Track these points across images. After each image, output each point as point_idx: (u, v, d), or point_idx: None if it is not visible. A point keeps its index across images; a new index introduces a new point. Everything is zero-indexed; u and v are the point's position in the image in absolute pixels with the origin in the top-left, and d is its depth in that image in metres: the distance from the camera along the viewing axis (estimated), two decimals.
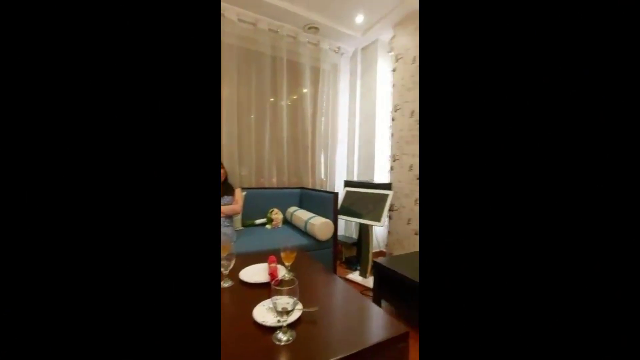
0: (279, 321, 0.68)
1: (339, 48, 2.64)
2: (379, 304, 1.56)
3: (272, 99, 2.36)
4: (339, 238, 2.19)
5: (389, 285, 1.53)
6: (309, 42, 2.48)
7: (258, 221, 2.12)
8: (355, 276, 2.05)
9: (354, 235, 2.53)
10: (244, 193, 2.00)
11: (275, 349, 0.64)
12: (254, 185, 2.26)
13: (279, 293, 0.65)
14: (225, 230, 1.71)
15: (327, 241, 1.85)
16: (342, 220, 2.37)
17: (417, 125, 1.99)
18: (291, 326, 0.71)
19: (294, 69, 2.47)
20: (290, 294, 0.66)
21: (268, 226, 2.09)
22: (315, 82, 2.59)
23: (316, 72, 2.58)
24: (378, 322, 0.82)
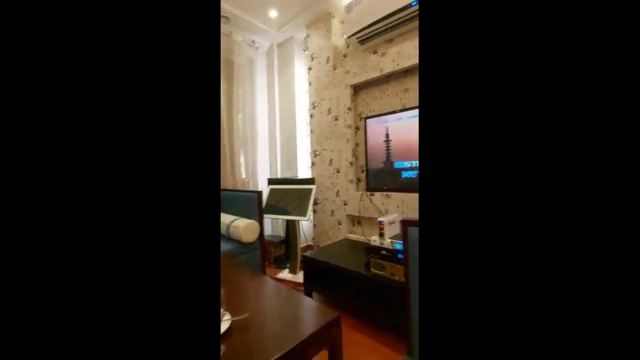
0: None
1: (253, 42, 2.54)
2: (310, 296, 1.60)
3: None
4: (266, 238, 2.13)
5: (318, 276, 1.59)
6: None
7: None
8: (285, 274, 2.04)
9: (282, 233, 2.51)
10: None
11: None
12: None
13: None
14: None
15: (253, 243, 1.76)
16: (268, 219, 2.32)
17: (335, 122, 2.12)
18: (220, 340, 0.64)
19: None
20: None
21: None
22: (230, 77, 2.42)
23: (230, 65, 2.41)
24: (311, 313, 0.83)
